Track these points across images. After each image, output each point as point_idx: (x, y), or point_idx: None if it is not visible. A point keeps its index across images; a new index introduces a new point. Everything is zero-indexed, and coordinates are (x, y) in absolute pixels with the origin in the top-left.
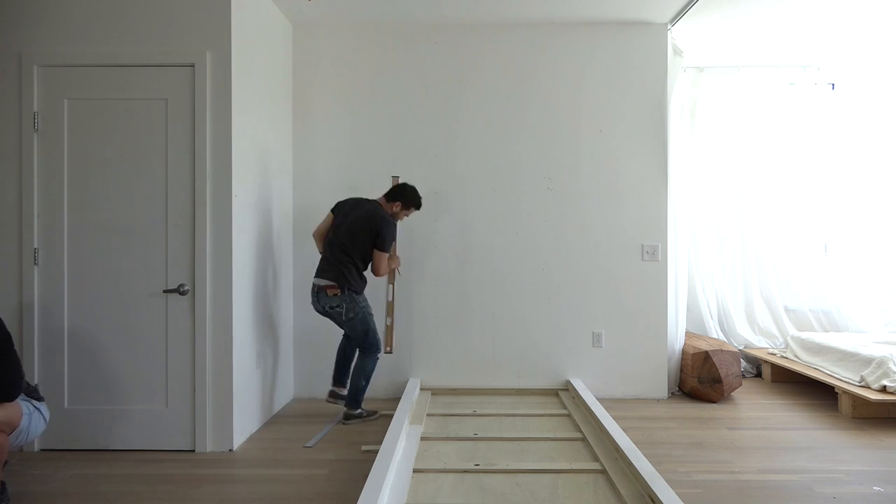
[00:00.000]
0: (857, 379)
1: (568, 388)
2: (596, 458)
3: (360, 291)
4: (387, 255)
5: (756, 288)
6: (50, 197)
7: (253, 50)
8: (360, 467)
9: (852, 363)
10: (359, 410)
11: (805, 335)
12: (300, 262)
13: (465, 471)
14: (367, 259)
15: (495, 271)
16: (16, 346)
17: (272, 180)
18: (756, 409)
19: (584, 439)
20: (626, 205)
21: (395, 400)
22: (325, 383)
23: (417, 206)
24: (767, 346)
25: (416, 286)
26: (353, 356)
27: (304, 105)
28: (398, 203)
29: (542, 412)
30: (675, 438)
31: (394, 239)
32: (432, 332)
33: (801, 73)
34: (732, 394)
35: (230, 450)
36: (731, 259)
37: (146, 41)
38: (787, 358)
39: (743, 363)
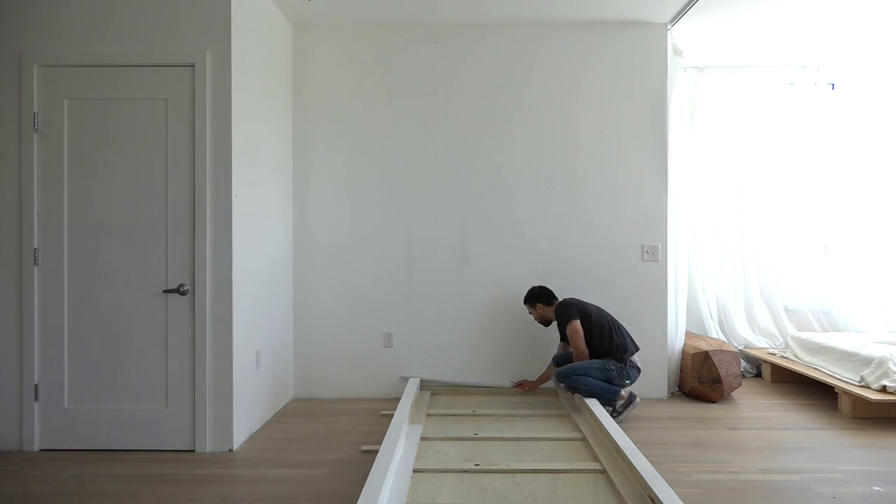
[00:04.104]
0: (857, 379)
1: None
2: (596, 458)
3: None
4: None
5: (756, 288)
6: (50, 197)
7: (253, 50)
8: (360, 467)
9: (852, 363)
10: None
11: (805, 335)
12: (300, 261)
13: (465, 471)
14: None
15: (495, 271)
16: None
17: (272, 179)
18: (756, 409)
19: (584, 439)
20: (626, 205)
21: (395, 400)
22: (324, 383)
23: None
24: (767, 346)
25: (417, 286)
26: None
27: (304, 105)
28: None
29: (542, 412)
30: (675, 438)
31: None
32: (432, 332)
33: (801, 73)
34: (732, 394)
35: (230, 450)
36: (731, 259)
37: (146, 41)
38: (786, 358)
39: (743, 363)
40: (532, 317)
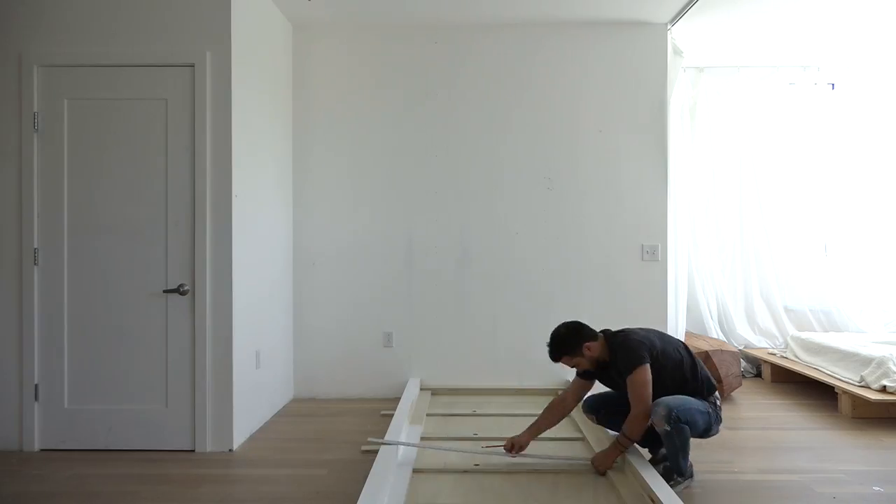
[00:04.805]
0: (857, 379)
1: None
2: None
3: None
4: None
5: (756, 288)
6: (50, 197)
7: (253, 50)
8: (360, 467)
9: (852, 363)
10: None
11: (805, 335)
12: (300, 261)
13: (465, 471)
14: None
15: (495, 271)
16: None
17: (272, 180)
18: (756, 409)
19: (584, 439)
20: (626, 205)
21: (395, 400)
22: (324, 383)
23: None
24: (767, 346)
25: (417, 286)
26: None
27: (304, 105)
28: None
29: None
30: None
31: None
32: (432, 332)
33: (801, 73)
34: (732, 394)
35: (230, 450)
36: (731, 259)
37: (146, 41)
38: (787, 358)
39: (743, 363)
40: (578, 368)
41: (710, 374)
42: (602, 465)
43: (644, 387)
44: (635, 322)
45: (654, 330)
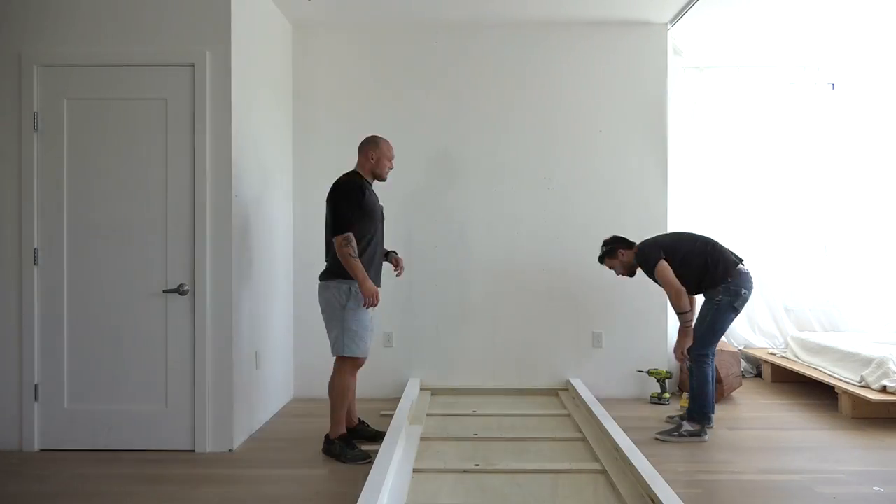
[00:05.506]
0: (857, 379)
1: (568, 388)
2: (596, 458)
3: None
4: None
5: (756, 288)
6: (50, 197)
7: (253, 50)
8: (360, 467)
9: (852, 363)
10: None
11: (805, 335)
12: (300, 260)
13: (465, 471)
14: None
15: (495, 271)
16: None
17: (272, 180)
18: (756, 409)
19: (584, 439)
20: (625, 205)
21: (395, 400)
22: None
23: None
24: (767, 346)
25: (417, 286)
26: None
27: (304, 105)
28: None
29: (542, 412)
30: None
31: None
32: (432, 332)
33: (801, 73)
34: (732, 394)
35: (230, 450)
36: None
37: (146, 41)
38: (787, 358)
39: (743, 363)
40: (615, 272)
41: (731, 256)
42: (679, 349)
43: (666, 272)
44: (635, 322)
45: (672, 233)
